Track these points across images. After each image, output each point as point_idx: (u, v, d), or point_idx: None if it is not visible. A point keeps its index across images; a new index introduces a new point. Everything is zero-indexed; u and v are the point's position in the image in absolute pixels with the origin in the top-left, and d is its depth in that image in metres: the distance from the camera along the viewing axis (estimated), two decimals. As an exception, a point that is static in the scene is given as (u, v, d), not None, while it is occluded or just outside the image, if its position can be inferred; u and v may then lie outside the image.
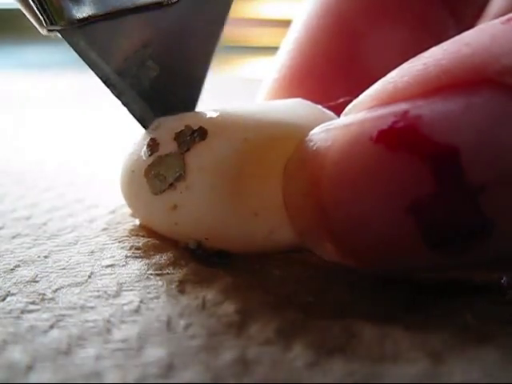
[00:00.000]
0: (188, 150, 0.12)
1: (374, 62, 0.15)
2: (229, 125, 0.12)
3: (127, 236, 0.13)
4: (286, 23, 0.18)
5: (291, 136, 0.12)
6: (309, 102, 0.13)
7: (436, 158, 0.09)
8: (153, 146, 0.12)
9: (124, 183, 0.13)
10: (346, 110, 0.11)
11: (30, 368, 0.09)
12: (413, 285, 0.12)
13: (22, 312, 0.10)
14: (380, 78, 0.11)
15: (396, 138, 0.10)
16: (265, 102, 0.13)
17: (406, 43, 0.16)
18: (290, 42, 0.16)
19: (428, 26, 0.16)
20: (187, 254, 0.12)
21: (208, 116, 0.12)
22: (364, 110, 0.10)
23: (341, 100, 0.13)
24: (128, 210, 0.15)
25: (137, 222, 0.14)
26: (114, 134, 0.25)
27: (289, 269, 0.12)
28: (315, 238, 0.11)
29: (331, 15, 0.16)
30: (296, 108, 0.13)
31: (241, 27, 0.62)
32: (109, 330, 0.10)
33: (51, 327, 0.10)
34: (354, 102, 0.11)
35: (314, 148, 0.11)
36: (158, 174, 0.12)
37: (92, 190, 0.17)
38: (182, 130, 0.12)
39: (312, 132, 0.11)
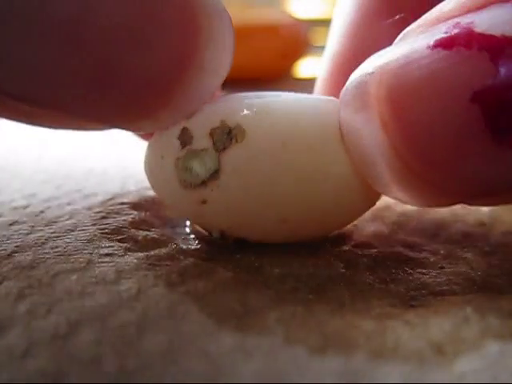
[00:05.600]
0: (224, 149, 0.11)
1: None
2: (267, 126, 0.11)
3: (126, 228, 0.13)
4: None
5: (328, 142, 0.12)
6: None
7: (493, 46, 0.10)
8: (186, 137, 0.12)
9: (151, 167, 0.13)
10: (396, 40, 0.11)
11: (26, 352, 0.09)
12: (413, 282, 0.12)
13: (19, 296, 0.10)
14: None
15: (452, 40, 0.10)
16: (299, 97, 0.12)
17: None
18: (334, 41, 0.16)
19: None
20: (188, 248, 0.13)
21: (246, 113, 0.11)
22: (414, 35, 0.11)
23: (397, 17, 0.13)
24: (126, 201, 0.15)
25: (136, 214, 0.14)
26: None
27: (288, 267, 0.12)
28: (378, 166, 0.11)
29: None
30: (330, 109, 0.12)
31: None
32: (107, 316, 0.10)
33: (48, 312, 0.10)
34: (403, 32, 0.11)
35: (370, 70, 0.11)
36: (190, 168, 0.12)
37: (90, 181, 0.17)
38: (218, 127, 0.11)
39: (365, 62, 0.11)
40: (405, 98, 0.10)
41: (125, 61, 0.10)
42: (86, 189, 0.16)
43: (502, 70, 0.10)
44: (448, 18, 0.10)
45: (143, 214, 0.14)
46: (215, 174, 0.11)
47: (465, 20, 0.10)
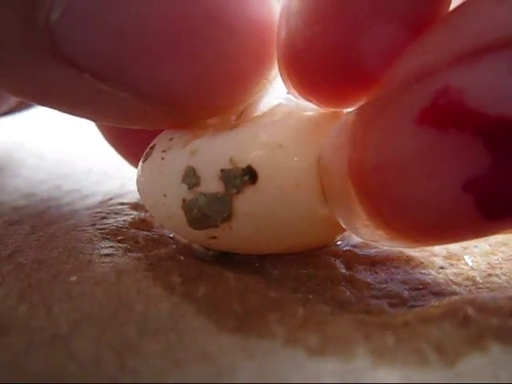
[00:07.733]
0: (237, 193, 0.11)
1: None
2: (280, 168, 0.11)
3: (126, 228, 0.13)
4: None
5: None
6: None
7: (488, 131, 0.09)
8: (194, 178, 0.11)
9: (151, 202, 0.12)
10: (375, 89, 0.10)
11: (26, 353, 0.09)
12: (413, 282, 0.12)
13: (19, 296, 0.10)
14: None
15: (442, 116, 0.09)
16: (309, 125, 0.11)
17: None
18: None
19: None
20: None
21: (256, 152, 0.11)
22: (397, 87, 0.10)
23: None
24: (126, 201, 0.15)
25: (135, 214, 0.14)
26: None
27: (288, 268, 0.12)
28: (361, 222, 0.10)
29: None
30: None
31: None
32: (107, 316, 0.10)
33: (49, 312, 0.10)
34: (380, 83, 0.10)
35: (350, 132, 0.10)
36: (200, 212, 0.11)
37: (90, 181, 0.17)
38: (229, 169, 0.11)
39: (344, 117, 0.10)
40: (391, 174, 0.09)
41: (214, 53, 0.11)
42: (85, 189, 0.16)
43: (497, 158, 0.09)
44: (435, 71, 0.09)
45: (143, 214, 0.14)
46: (227, 217, 0.11)
47: (456, 84, 0.09)
